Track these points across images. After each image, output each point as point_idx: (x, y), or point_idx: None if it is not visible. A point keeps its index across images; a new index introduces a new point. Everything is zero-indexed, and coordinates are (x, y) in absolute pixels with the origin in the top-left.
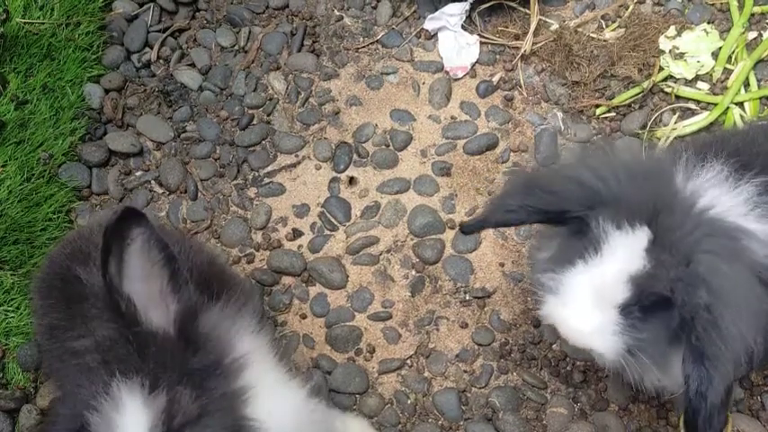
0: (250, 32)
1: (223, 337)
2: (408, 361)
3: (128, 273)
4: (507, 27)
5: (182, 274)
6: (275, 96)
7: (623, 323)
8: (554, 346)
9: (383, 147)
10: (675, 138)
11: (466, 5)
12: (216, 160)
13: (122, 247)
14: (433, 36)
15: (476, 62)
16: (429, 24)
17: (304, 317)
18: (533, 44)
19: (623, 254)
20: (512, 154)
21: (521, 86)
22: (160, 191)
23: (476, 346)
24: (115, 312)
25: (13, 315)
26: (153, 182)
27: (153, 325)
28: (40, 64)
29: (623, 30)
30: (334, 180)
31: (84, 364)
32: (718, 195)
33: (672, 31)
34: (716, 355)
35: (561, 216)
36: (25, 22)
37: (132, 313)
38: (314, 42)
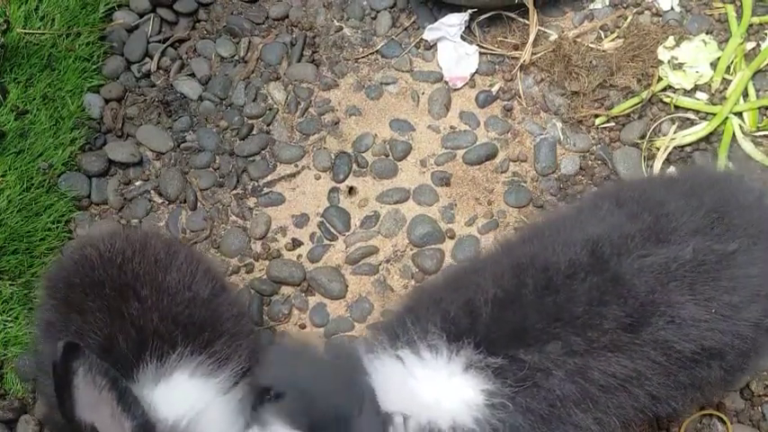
0: (250, 43)
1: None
2: None
3: (80, 403)
4: (506, 37)
5: (129, 393)
6: (275, 106)
7: None
8: None
9: (383, 156)
10: (674, 147)
11: (465, 16)
12: (215, 170)
13: (70, 380)
14: (432, 46)
15: (475, 72)
16: (428, 35)
17: (303, 327)
18: (532, 54)
19: None
20: (511, 164)
21: (520, 96)
22: (159, 201)
23: None
24: None
25: (11, 325)
26: (152, 192)
27: None
28: (41, 74)
29: (622, 40)
30: (333, 190)
31: None
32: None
33: (670, 41)
34: None
35: None
36: (26, 33)
37: None
38: (313, 53)
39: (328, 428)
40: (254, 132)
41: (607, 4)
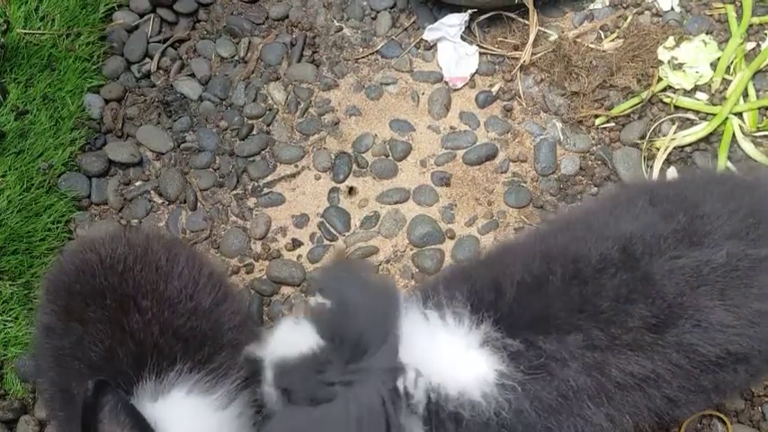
0: (250, 43)
1: None
2: None
3: None
4: (506, 38)
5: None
6: (275, 106)
7: None
8: None
9: (383, 157)
10: (674, 148)
11: (465, 16)
12: (215, 170)
13: (96, 415)
14: (432, 46)
15: (475, 72)
16: (428, 35)
17: None
18: (532, 54)
19: None
20: (511, 164)
21: (520, 97)
22: (159, 201)
23: None
24: None
25: (11, 325)
26: (152, 192)
27: None
28: (41, 74)
29: (622, 40)
30: (333, 190)
31: None
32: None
33: (670, 41)
34: None
35: None
36: (26, 33)
37: None
38: (313, 53)
39: (346, 348)
40: (254, 132)
41: (607, 4)
